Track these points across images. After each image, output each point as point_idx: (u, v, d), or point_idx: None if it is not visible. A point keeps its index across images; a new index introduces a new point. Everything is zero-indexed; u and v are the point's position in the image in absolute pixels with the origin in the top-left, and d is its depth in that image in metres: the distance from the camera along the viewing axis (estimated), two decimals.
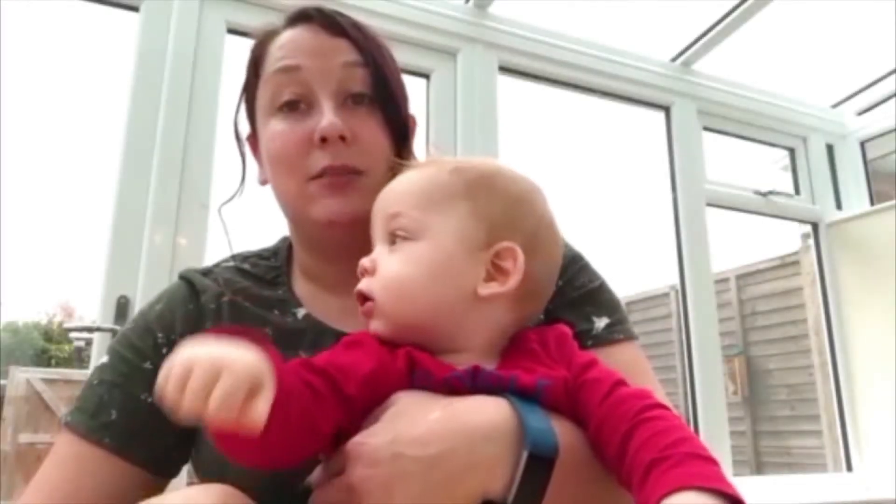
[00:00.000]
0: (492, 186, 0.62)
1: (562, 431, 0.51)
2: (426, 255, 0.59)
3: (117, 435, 0.64)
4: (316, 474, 0.54)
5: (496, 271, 0.59)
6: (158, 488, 0.67)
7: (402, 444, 0.49)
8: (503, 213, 0.61)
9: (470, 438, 0.49)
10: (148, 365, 0.68)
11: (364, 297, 0.59)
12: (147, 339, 0.70)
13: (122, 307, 1.47)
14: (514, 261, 0.59)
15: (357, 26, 0.74)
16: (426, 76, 1.96)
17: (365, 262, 0.61)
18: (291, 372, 0.49)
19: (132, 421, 0.65)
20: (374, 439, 0.50)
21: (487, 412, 0.51)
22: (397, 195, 0.62)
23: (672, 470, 0.44)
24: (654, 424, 0.48)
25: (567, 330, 0.62)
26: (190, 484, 0.73)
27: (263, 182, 0.77)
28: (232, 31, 1.72)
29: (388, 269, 0.59)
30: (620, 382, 0.54)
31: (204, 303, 0.72)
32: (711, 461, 0.45)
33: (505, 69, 2.06)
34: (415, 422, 0.50)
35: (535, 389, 0.53)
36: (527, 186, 0.64)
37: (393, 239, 0.60)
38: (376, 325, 0.59)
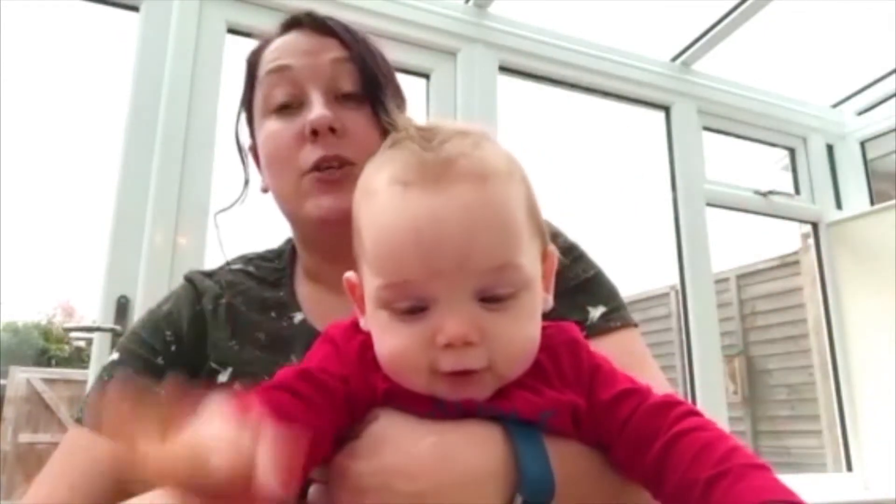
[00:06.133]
0: (531, 186, 0.54)
1: (562, 463, 0.49)
2: (537, 303, 0.51)
3: None
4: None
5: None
6: None
7: (388, 475, 0.46)
8: (538, 212, 0.54)
9: (461, 479, 0.47)
10: (160, 360, 0.70)
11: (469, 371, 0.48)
12: (157, 337, 0.72)
13: (122, 307, 1.47)
14: (551, 263, 0.55)
15: (346, 28, 0.76)
16: (426, 76, 1.96)
17: (467, 334, 0.46)
18: (283, 388, 0.46)
19: None
20: (358, 463, 0.47)
21: (481, 451, 0.48)
22: (488, 238, 0.47)
23: (736, 485, 0.43)
24: (695, 437, 0.47)
25: (577, 335, 0.57)
26: None
27: (265, 190, 0.79)
28: (232, 31, 1.72)
29: (512, 334, 0.48)
30: (646, 394, 0.52)
31: (204, 304, 0.74)
32: (766, 468, 0.44)
33: (505, 69, 2.06)
34: (401, 450, 0.47)
35: (538, 421, 0.50)
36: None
37: (489, 296, 0.48)
38: (483, 392, 0.49)
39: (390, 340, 0.49)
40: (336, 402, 0.49)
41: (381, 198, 0.49)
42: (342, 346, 0.53)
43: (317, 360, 0.52)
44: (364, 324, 0.54)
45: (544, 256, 0.54)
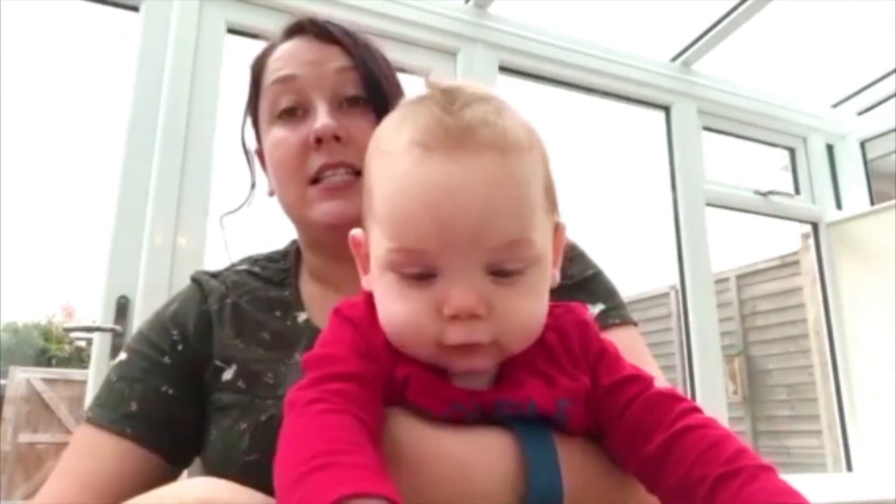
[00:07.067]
0: (549, 159, 0.53)
1: (573, 470, 0.49)
2: (545, 279, 0.51)
3: (138, 425, 0.68)
4: None
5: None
6: (173, 476, 0.70)
7: (398, 477, 0.46)
8: (553, 186, 0.53)
9: (468, 488, 0.47)
10: (166, 360, 0.72)
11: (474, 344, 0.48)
12: (164, 337, 0.73)
13: (122, 307, 1.46)
14: (561, 238, 0.55)
15: (348, 33, 0.78)
16: (426, 76, 1.96)
17: (474, 307, 0.46)
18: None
19: (152, 412, 0.69)
20: None
21: (491, 464, 0.48)
22: (505, 214, 0.46)
23: (747, 486, 0.43)
24: (703, 434, 0.47)
25: (587, 316, 0.57)
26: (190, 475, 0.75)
27: (271, 193, 0.81)
28: (232, 31, 1.72)
29: (519, 309, 0.48)
30: (649, 383, 0.52)
31: (210, 304, 0.75)
32: (773, 470, 0.44)
33: (505, 69, 2.06)
34: (409, 461, 0.47)
35: (556, 413, 0.50)
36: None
37: (498, 269, 0.47)
38: (486, 363, 0.49)
39: (396, 306, 0.48)
40: (376, 392, 0.48)
41: (399, 160, 0.48)
42: (366, 331, 0.51)
43: (336, 341, 0.51)
44: (366, 283, 0.53)
45: (555, 230, 0.53)
